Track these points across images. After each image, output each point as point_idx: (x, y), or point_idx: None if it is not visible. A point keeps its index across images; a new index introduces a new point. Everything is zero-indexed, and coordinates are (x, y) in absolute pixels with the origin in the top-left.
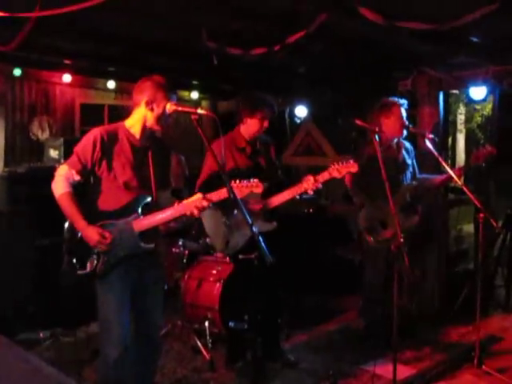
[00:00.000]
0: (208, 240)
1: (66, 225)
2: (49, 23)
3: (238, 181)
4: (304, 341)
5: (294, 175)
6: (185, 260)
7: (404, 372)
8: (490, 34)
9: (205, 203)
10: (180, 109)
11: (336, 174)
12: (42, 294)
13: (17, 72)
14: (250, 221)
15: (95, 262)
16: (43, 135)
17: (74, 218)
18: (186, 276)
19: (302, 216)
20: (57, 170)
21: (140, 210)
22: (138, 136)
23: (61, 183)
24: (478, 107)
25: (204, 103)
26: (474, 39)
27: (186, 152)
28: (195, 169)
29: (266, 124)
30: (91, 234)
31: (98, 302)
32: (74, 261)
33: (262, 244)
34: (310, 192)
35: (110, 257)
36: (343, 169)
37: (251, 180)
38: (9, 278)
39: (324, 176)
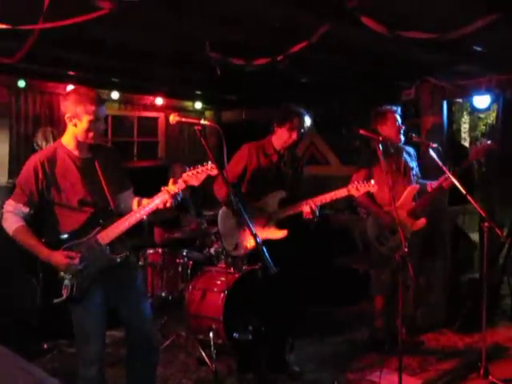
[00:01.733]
0: (214, 248)
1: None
2: (53, 35)
3: (189, 170)
4: (309, 351)
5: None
6: (189, 271)
7: (409, 382)
8: (493, 43)
9: (175, 190)
10: (183, 120)
11: (354, 193)
12: (46, 305)
13: (21, 84)
14: (253, 231)
15: (70, 286)
16: (47, 146)
17: (35, 249)
18: (190, 287)
19: (305, 226)
20: (4, 207)
21: (101, 223)
22: (76, 152)
23: (11, 219)
24: (481, 116)
25: (208, 113)
26: (478, 48)
27: (189, 162)
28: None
29: (294, 135)
30: (58, 258)
31: (73, 322)
32: (47, 292)
33: (266, 254)
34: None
35: (84, 277)
36: (363, 187)
37: (206, 164)
38: (13, 290)
39: (342, 193)
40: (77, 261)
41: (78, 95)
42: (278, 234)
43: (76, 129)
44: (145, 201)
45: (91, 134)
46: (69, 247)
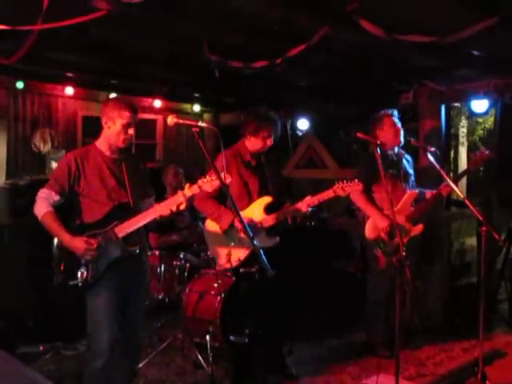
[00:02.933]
0: (210, 253)
1: (55, 242)
2: (51, 36)
3: (204, 177)
4: (306, 354)
5: (296, 188)
6: (186, 273)
7: None
8: (492, 47)
9: (182, 198)
10: (181, 122)
11: (340, 193)
12: (42, 308)
13: (19, 85)
14: (251, 234)
15: (85, 272)
16: (45, 148)
17: (58, 233)
18: (187, 289)
19: (303, 229)
20: (37, 194)
21: (120, 218)
22: (107, 153)
23: (42, 204)
24: (479, 120)
25: (206, 116)
26: (476, 52)
27: (187, 164)
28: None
29: (269, 142)
30: (77, 243)
31: (88, 310)
32: (65, 273)
33: (263, 257)
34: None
35: (99, 264)
36: (348, 187)
37: (218, 174)
38: (10, 291)
39: (329, 194)
40: (94, 247)
41: (117, 102)
42: (269, 241)
43: (109, 131)
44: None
45: (122, 137)
46: (89, 235)
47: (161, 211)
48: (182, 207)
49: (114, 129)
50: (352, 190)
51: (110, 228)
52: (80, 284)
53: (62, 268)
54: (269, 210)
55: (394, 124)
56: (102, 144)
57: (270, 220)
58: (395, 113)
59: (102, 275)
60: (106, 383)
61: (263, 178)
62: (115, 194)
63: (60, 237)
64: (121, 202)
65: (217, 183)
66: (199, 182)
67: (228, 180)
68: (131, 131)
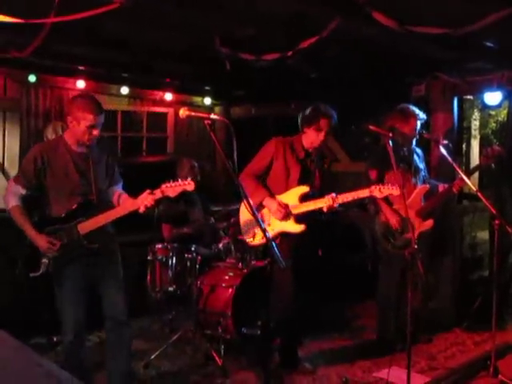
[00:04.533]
0: (222, 244)
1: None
2: (63, 30)
3: (170, 182)
4: (317, 348)
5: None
6: (197, 266)
7: (418, 380)
8: (505, 38)
9: (150, 200)
10: (193, 114)
11: (377, 194)
12: (24, 278)
13: (32, 78)
14: (263, 225)
15: (46, 266)
16: (51, 139)
17: (24, 228)
18: (199, 282)
19: (315, 223)
20: (7, 185)
21: (84, 214)
22: (74, 147)
23: (9, 197)
24: (492, 113)
25: (217, 109)
26: (489, 44)
27: (198, 157)
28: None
29: (321, 136)
30: (41, 242)
31: (55, 296)
32: (28, 265)
33: (276, 249)
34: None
35: (59, 259)
36: (386, 190)
37: (185, 180)
38: (23, 282)
39: (364, 193)
40: (56, 247)
41: (82, 102)
42: (295, 227)
43: (74, 130)
44: (123, 196)
45: (87, 137)
46: (52, 230)
47: (118, 216)
48: (140, 211)
49: (79, 128)
50: (389, 193)
51: (74, 224)
52: (40, 275)
53: (25, 259)
54: (304, 199)
55: (416, 128)
56: (69, 137)
57: (301, 207)
58: (423, 119)
59: (63, 268)
60: (77, 354)
61: (307, 170)
62: (79, 189)
63: (26, 231)
64: (85, 198)
65: (179, 189)
66: (162, 186)
67: (190, 187)
68: (96, 132)
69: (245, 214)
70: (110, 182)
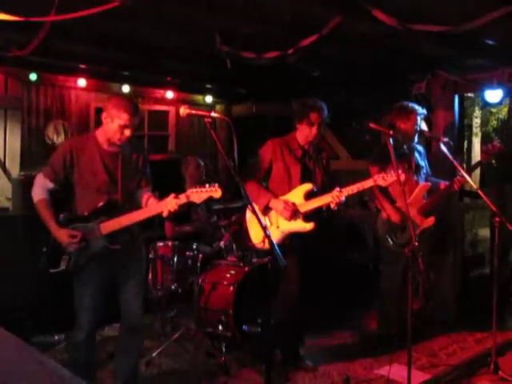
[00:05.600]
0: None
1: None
2: (64, 28)
3: (197, 187)
4: (318, 345)
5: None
6: (199, 264)
7: (419, 377)
8: (506, 36)
9: (174, 205)
10: (194, 112)
11: (381, 182)
12: (57, 297)
13: (32, 77)
14: (263, 223)
15: (67, 261)
16: (58, 139)
17: (47, 221)
18: (200, 280)
19: (316, 220)
20: (35, 178)
21: (108, 213)
22: (104, 145)
23: (37, 190)
24: (493, 110)
25: (218, 107)
26: (490, 41)
27: (200, 155)
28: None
29: (314, 130)
30: (62, 235)
31: (74, 292)
32: (50, 261)
33: (276, 247)
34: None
35: (80, 256)
36: (390, 177)
37: (211, 185)
38: (24, 280)
39: (368, 183)
40: (76, 241)
41: (119, 101)
42: (305, 226)
43: (107, 126)
44: (151, 200)
45: (118, 136)
46: (75, 227)
47: (145, 215)
48: (164, 215)
49: (111, 126)
50: (394, 179)
51: (96, 223)
52: (61, 271)
53: (48, 255)
54: (309, 197)
55: (417, 124)
56: (100, 135)
57: (308, 205)
58: (423, 114)
59: (84, 266)
60: (87, 353)
61: (307, 167)
62: (105, 188)
63: (48, 225)
64: (110, 198)
65: (205, 196)
66: (188, 191)
67: (217, 194)
68: (128, 132)
69: (252, 221)
70: (139, 184)
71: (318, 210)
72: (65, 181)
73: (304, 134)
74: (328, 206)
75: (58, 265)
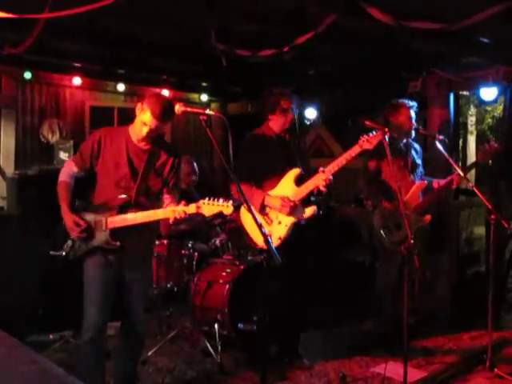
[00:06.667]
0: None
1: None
2: (59, 26)
3: (209, 199)
4: (315, 343)
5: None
6: (194, 262)
7: (415, 375)
8: (501, 34)
9: (181, 213)
10: (189, 110)
11: (367, 146)
12: (51, 297)
13: (27, 75)
14: (259, 221)
15: (68, 247)
16: (53, 138)
17: (61, 203)
18: (196, 278)
19: (311, 218)
20: (66, 161)
21: (120, 208)
22: (134, 139)
23: (63, 172)
24: (488, 108)
25: (214, 105)
26: (484, 39)
27: (195, 154)
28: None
29: (290, 116)
30: (68, 219)
31: (84, 282)
32: (53, 243)
33: (272, 245)
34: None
35: (81, 245)
36: (374, 138)
37: (224, 201)
38: (19, 280)
39: (355, 150)
40: (81, 228)
41: (156, 100)
42: (308, 211)
43: (138, 117)
44: (171, 207)
45: (141, 133)
46: (85, 216)
47: (151, 218)
48: (170, 222)
49: (139, 119)
50: (378, 139)
51: (105, 216)
52: (61, 256)
53: (54, 238)
54: (299, 182)
55: (410, 118)
56: (132, 129)
57: (301, 192)
58: (414, 106)
59: (86, 256)
60: (97, 354)
61: (289, 153)
62: (124, 183)
63: (61, 207)
64: (126, 193)
65: (216, 210)
66: (200, 202)
67: (228, 211)
68: (149, 133)
69: (248, 221)
70: (165, 188)
71: (310, 194)
72: (90, 169)
73: (280, 122)
74: (318, 188)
75: (59, 249)
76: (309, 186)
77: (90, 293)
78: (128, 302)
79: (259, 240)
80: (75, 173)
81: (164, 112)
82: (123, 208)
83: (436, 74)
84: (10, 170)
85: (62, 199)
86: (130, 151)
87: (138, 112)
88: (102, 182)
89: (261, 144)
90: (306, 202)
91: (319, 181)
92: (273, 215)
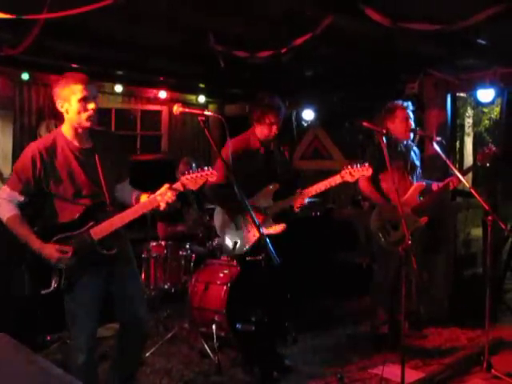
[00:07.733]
0: (216, 241)
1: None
2: (56, 27)
3: (189, 173)
4: (311, 344)
5: (301, 179)
6: (192, 263)
7: (412, 376)
8: (498, 35)
9: (171, 196)
10: (187, 110)
11: (348, 178)
12: (49, 297)
13: (25, 76)
14: (257, 221)
15: (58, 278)
16: (47, 135)
17: (27, 239)
18: (193, 279)
19: (308, 219)
20: None
21: (96, 217)
22: (75, 141)
23: (5, 206)
24: (485, 110)
25: (211, 107)
26: (482, 41)
27: (193, 155)
28: None
29: (274, 129)
30: (50, 251)
31: (65, 309)
32: (36, 281)
33: (270, 245)
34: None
35: (73, 270)
36: (357, 172)
37: (205, 169)
38: (17, 281)
39: (335, 180)
40: (69, 255)
41: (66, 78)
42: (276, 228)
43: (69, 115)
44: (143, 197)
45: (84, 116)
46: (61, 239)
47: (140, 212)
48: (161, 208)
49: (72, 109)
50: (361, 174)
51: (85, 230)
52: (53, 291)
53: (32, 275)
54: (277, 197)
55: (407, 118)
56: (67, 131)
57: (275, 207)
58: (410, 106)
59: (77, 280)
60: (92, 375)
61: (272, 165)
62: (87, 190)
63: (29, 243)
64: (95, 201)
65: (202, 181)
66: (182, 179)
67: (213, 177)
68: (92, 105)
69: (220, 221)
70: (119, 177)
71: (286, 211)
72: (37, 191)
73: (264, 133)
74: (291, 207)
75: (47, 285)
76: (284, 203)
77: (75, 316)
78: (130, 304)
79: (230, 245)
80: (21, 201)
81: (82, 75)
82: (100, 214)
83: (433, 75)
84: (7, 171)
85: (26, 234)
86: (78, 155)
87: (64, 107)
88: (61, 197)
89: (243, 151)
90: (277, 218)
91: (295, 202)
92: (248, 223)
